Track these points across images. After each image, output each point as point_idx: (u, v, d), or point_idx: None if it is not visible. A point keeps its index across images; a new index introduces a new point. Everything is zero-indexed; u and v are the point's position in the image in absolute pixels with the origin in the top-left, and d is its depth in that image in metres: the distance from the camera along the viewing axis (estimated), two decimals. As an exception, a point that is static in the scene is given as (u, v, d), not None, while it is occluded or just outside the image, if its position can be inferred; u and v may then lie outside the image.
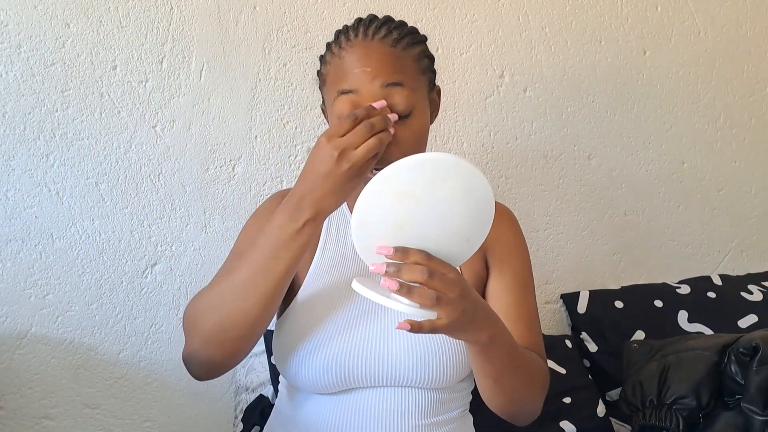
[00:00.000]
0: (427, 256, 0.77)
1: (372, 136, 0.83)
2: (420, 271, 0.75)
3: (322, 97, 1.03)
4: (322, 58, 1.01)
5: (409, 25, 1.01)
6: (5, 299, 1.26)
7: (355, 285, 0.78)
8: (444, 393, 0.99)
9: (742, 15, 1.86)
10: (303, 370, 0.94)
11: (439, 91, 1.05)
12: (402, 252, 0.76)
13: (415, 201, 0.74)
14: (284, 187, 1.42)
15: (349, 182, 0.84)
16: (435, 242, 0.77)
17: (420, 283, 0.75)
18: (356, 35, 0.95)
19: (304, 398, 1.00)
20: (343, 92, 0.92)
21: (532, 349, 1.02)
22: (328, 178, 0.84)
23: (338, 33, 0.98)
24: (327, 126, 1.10)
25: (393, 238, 0.76)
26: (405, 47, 0.96)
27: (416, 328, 0.76)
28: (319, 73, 1.01)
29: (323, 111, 1.06)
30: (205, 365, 0.93)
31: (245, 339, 0.91)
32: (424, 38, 1.01)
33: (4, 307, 1.26)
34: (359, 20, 0.98)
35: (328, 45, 0.99)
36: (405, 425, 0.95)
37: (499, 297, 1.03)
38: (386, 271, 0.75)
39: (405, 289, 0.75)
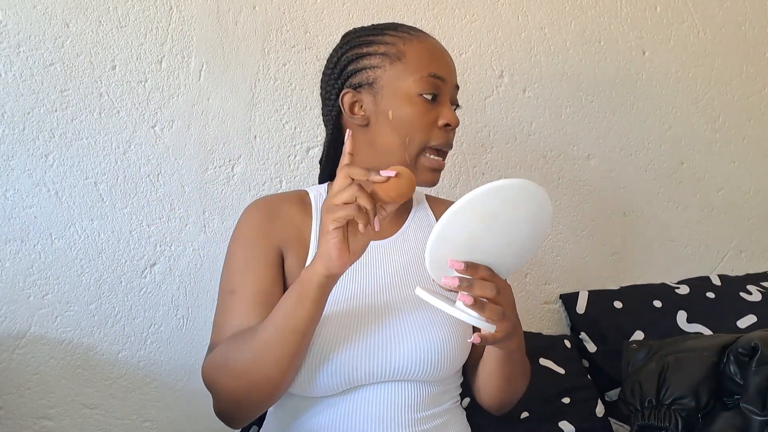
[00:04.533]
0: (492, 273, 0.82)
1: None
2: (490, 288, 0.81)
3: (364, 82, 1.01)
4: (380, 43, 1.01)
5: (410, 25, 1.06)
6: (4, 299, 1.26)
7: (420, 293, 0.82)
8: (437, 386, 1.01)
9: (741, 15, 1.86)
10: (309, 378, 0.94)
11: None
12: (472, 268, 0.81)
13: (496, 222, 0.78)
14: (283, 188, 1.42)
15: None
16: (498, 258, 0.82)
17: (487, 299, 0.81)
18: (421, 31, 1.05)
19: (302, 402, 0.99)
20: (435, 76, 0.99)
21: None
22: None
23: (393, 25, 1.04)
24: (322, 127, 1.10)
25: (465, 253, 0.81)
26: None
27: (483, 340, 0.83)
28: (372, 54, 1.01)
29: (344, 98, 1.02)
30: (241, 420, 0.96)
31: (275, 395, 0.93)
32: None
33: (3, 307, 1.26)
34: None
35: (383, 31, 1.03)
36: (403, 419, 0.96)
37: None
38: (459, 285, 0.80)
39: (479, 305, 0.80)
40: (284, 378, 0.90)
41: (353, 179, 0.81)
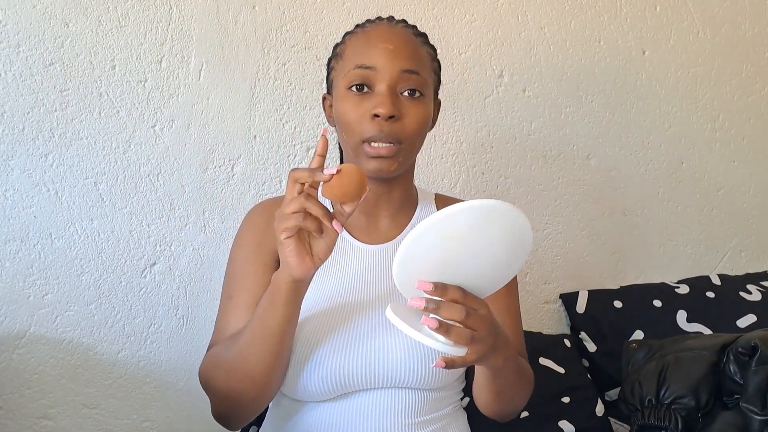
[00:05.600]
0: (463, 294, 0.78)
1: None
2: (459, 310, 0.76)
3: (330, 85, 1.04)
4: (337, 45, 1.04)
5: (380, 18, 1.06)
6: (4, 299, 1.26)
7: (389, 314, 0.79)
8: (437, 392, 1.00)
9: (741, 15, 1.86)
10: (301, 382, 0.94)
11: (440, 104, 1.08)
12: (441, 288, 0.77)
13: (463, 243, 0.74)
14: (282, 187, 1.42)
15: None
16: (471, 278, 0.78)
17: (456, 322, 0.77)
18: (381, 21, 1.02)
19: (298, 406, 0.99)
20: (361, 67, 0.95)
21: (519, 351, 1.05)
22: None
23: (361, 23, 1.04)
24: (326, 124, 1.11)
25: (433, 274, 0.77)
26: (422, 43, 1.02)
27: (450, 364, 0.79)
28: (332, 57, 1.04)
29: (324, 102, 1.07)
30: (238, 420, 0.96)
31: (264, 395, 0.93)
32: (434, 48, 1.07)
33: (2, 307, 1.26)
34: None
35: (347, 33, 1.04)
36: (399, 424, 0.96)
37: (489, 304, 1.04)
38: (425, 308, 0.76)
39: (444, 329, 0.76)
40: (269, 377, 0.90)
41: (301, 184, 0.81)
